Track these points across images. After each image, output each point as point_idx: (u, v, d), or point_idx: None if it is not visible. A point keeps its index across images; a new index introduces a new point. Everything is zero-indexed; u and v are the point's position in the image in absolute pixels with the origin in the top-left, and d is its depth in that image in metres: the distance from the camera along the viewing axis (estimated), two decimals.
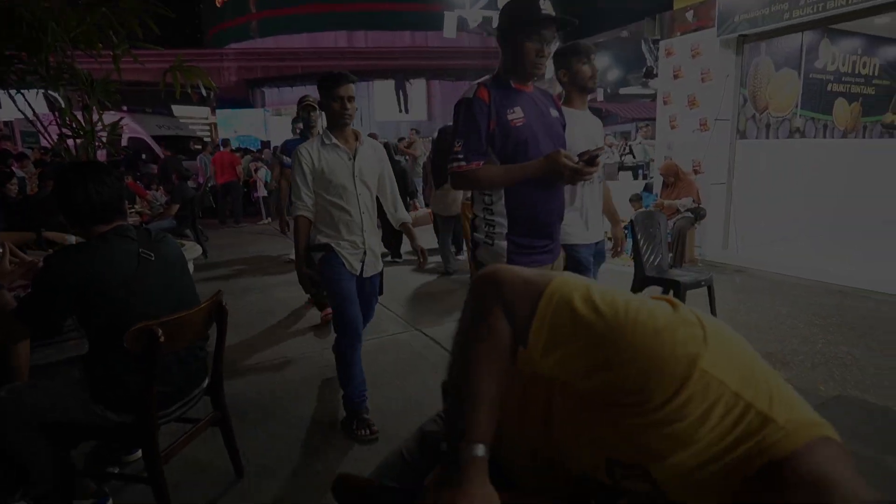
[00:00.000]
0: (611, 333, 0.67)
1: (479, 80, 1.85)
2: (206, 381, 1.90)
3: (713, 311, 3.73)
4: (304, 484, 1.97)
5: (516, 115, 1.80)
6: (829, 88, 6.96)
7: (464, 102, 1.81)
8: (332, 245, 2.34)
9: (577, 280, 0.75)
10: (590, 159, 1.73)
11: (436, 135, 5.58)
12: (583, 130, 2.36)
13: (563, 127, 2.00)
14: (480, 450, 0.72)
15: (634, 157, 7.94)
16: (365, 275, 2.42)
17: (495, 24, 9.60)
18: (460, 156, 1.78)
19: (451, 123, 5.87)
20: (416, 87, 24.92)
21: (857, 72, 7.20)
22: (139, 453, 2.07)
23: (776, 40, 6.06)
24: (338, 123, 2.34)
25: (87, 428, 1.68)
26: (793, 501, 0.55)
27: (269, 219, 9.72)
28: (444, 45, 21.94)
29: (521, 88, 1.86)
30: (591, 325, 0.69)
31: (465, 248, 5.54)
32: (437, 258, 5.55)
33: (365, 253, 2.40)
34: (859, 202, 7.25)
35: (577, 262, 2.35)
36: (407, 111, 24.34)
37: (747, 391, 0.63)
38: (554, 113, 1.96)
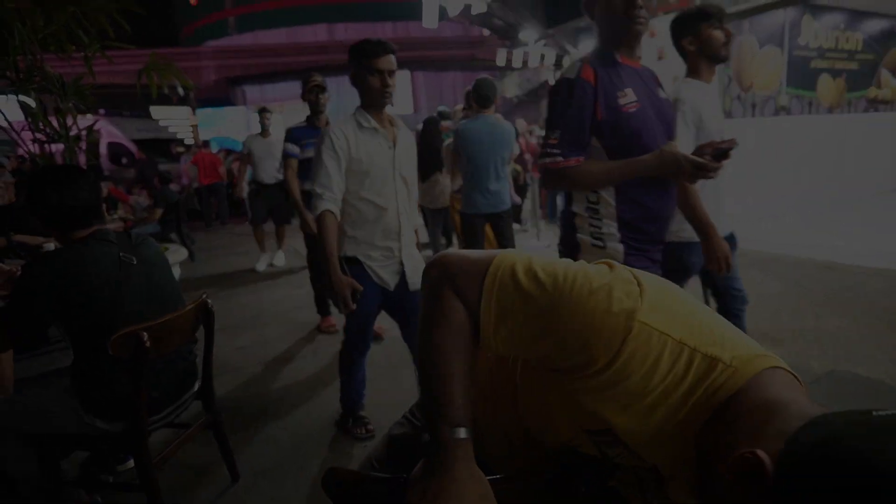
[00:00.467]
0: (550, 300, 0.67)
1: (582, 57, 1.55)
2: (197, 385, 1.86)
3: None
4: (300, 485, 1.95)
5: (628, 98, 1.49)
6: (812, 65, 6.98)
7: (564, 84, 1.51)
8: (360, 258, 2.00)
9: (519, 254, 0.74)
10: (719, 153, 1.45)
11: (421, 126, 5.53)
12: (715, 109, 2.04)
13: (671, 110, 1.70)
14: (462, 432, 0.70)
15: None
16: (410, 288, 2.07)
17: (475, 11, 9.52)
18: (556, 150, 1.50)
19: (434, 114, 5.80)
20: (401, 80, 24.73)
21: (840, 47, 7.24)
22: (132, 461, 2.03)
23: (759, 18, 6.06)
24: (377, 103, 1.97)
25: (77, 437, 1.65)
26: (745, 430, 0.55)
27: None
28: (426, 36, 21.75)
29: (629, 64, 1.56)
30: (532, 295, 0.68)
31: (454, 240, 5.51)
32: (429, 252, 5.53)
33: (402, 263, 2.06)
34: (847, 177, 7.32)
35: (687, 265, 2.09)
36: (391, 104, 24.14)
37: (691, 338, 0.63)
38: (662, 94, 1.66)
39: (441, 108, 5.26)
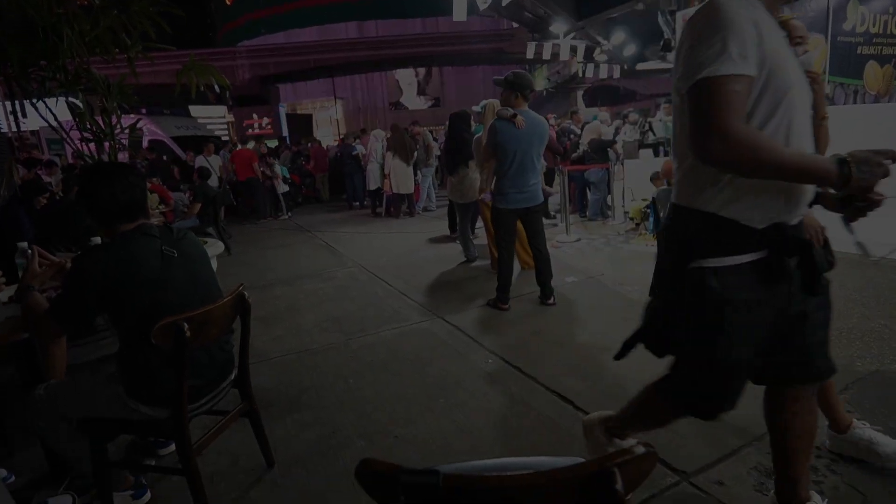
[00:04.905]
0: None
1: None
2: (234, 374, 1.93)
3: None
4: (333, 473, 2.00)
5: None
6: (858, 51, 6.66)
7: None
8: None
9: None
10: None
11: (448, 121, 5.53)
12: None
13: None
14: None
15: (654, 134, 7.74)
16: None
17: (505, 3, 9.45)
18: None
19: (463, 109, 5.77)
20: (430, 74, 24.75)
21: (889, 32, 6.88)
22: (173, 446, 2.12)
23: (801, 3, 5.82)
24: None
25: (122, 422, 1.73)
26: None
27: (290, 214, 9.82)
28: (455, 30, 21.67)
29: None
30: None
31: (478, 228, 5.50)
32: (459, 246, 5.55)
33: None
34: (894, 169, 6.97)
35: None
36: (423, 98, 24.26)
37: None
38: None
39: (477, 108, 5.22)
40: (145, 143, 10.72)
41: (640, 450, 0.81)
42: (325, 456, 2.12)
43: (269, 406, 2.50)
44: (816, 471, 1.81)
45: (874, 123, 6.85)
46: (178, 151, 11.01)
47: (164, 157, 9.97)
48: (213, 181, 8.61)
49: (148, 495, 1.90)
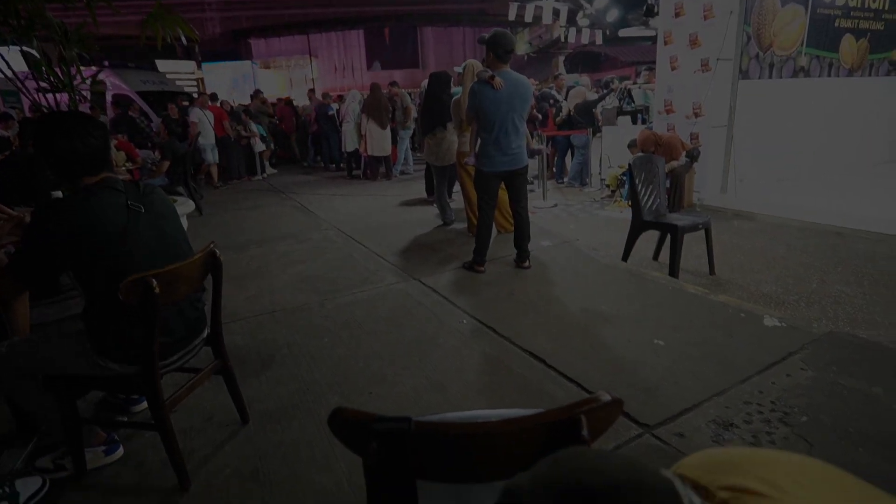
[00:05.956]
0: None
1: None
2: (206, 332, 1.92)
3: (710, 255, 3.74)
4: (307, 427, 2.03)
5: None
6: (836, 24, 6.70)
7: None
8: None
9: None
10: None
11: (426, 82, 5.41)
12: None
13: None
14: None
15: (633, 101, 7.75)
16: None
17: None
18: None
19: (443, 69, 5.64)
20: (408, 34, 24.05)
21: (866, 6, 6.93)
22: (145, 404, 2.12)
23: None
24: None
25: (91, 379, 1.71)
26: None
27: (265, 175, 9.59)
28: None
29: None
30: None
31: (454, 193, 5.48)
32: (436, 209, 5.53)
33: None
34: (863, 141, 7.14)
35: None
36: (399, 59, 23.61)
37: None
38: None
39: (458, 69, 5.11)
40: (109, 99, 10.21)
41: (606, 397, 0.84)
42: (300, 411, 2.14)
43: (243, 364, 2.50)
44: (769, 423, 1.92)
45: (846, 97, 6.99)
46: (145, 107, 10.51)
47: (130, 113, 9.48)
48: (209, 137, 8.26)
49: (121, 451, 1.90)
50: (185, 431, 2.01)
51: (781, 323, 2.69)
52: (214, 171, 8.62)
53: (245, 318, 3.12)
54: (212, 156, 8.51)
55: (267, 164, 10.04)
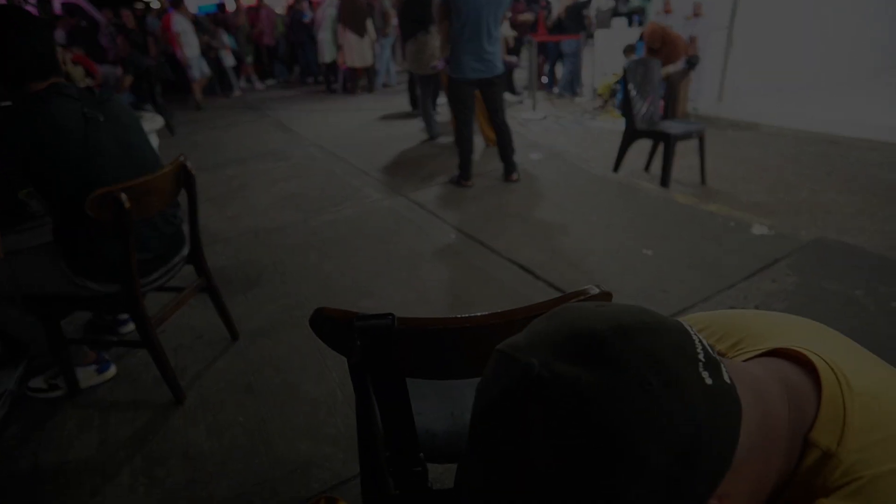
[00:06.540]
0: None
1: None
2: (186, 250, 1.85)
3: (703, 164, 3.67)
4: (298, 339, 2.04)
5: None
6: None
7: None
8: None
9: None
10: None
11: None
12: None
13: None
14: None
15: (629, 1, 7.26)
16: None
17: None
18: None
19: None
20: None
21: None
22: (133, 326, 2.09)
23: None
24: None
25: (71, 299, 1.66)
26: None
27: (240, 91, 9.07)
28: None
29: None
30: None
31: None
32: (420, 122, 5.31)
33: None
34: (857, 51, 6.86)
35: None
36: None
37: None
38: None
39: None
40: (58, 8, 9.32)
41: (595, 290, 0.81)
42: (289, 326, 2.14)
43: (229, 284, 2.46)
44: None
45: (837, 4, 6.59)
46: (96, 15, 9.56)
47: (84, 23, 8.68)
48: (194, 50, 7.41)
49: (113, 369, 1.90)
50: (175, 350, 2.01)
51: (770, 231, 2.69)
52: (199, 87, 7.82)
53: (227, 238, 3.04)
54: (198, 70, 7.64)
55: (255, 77, 9.52)
